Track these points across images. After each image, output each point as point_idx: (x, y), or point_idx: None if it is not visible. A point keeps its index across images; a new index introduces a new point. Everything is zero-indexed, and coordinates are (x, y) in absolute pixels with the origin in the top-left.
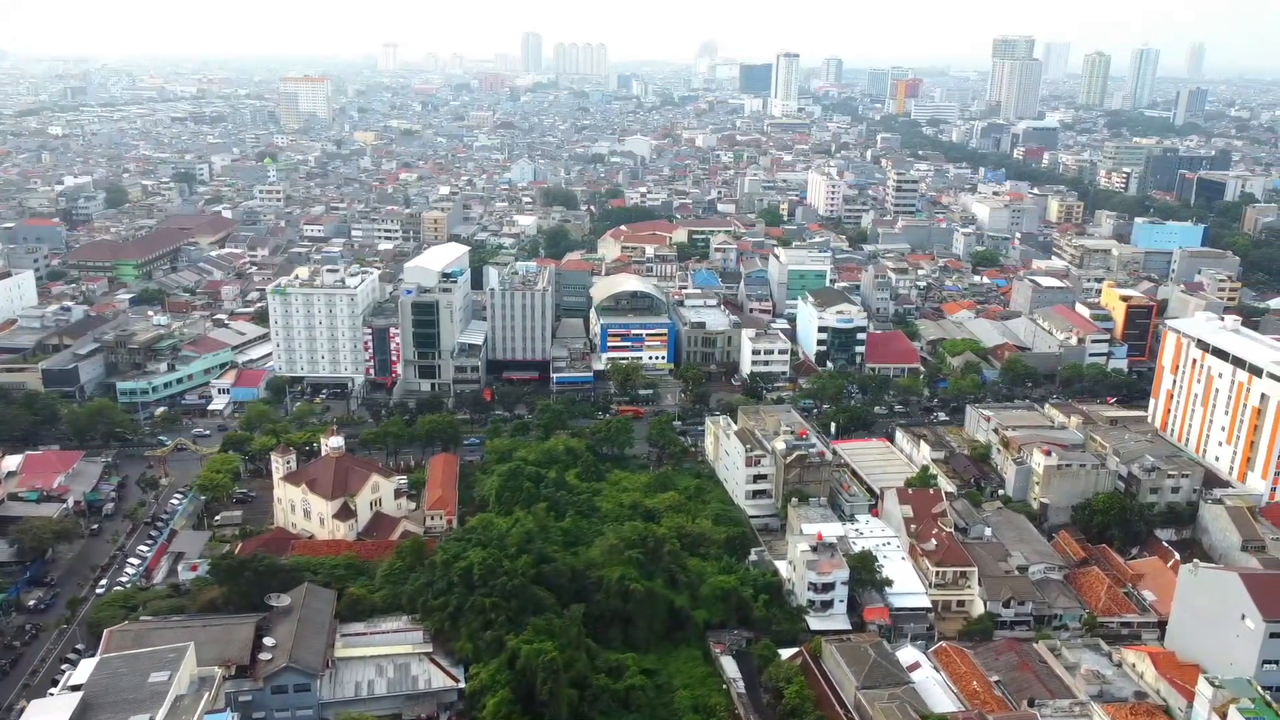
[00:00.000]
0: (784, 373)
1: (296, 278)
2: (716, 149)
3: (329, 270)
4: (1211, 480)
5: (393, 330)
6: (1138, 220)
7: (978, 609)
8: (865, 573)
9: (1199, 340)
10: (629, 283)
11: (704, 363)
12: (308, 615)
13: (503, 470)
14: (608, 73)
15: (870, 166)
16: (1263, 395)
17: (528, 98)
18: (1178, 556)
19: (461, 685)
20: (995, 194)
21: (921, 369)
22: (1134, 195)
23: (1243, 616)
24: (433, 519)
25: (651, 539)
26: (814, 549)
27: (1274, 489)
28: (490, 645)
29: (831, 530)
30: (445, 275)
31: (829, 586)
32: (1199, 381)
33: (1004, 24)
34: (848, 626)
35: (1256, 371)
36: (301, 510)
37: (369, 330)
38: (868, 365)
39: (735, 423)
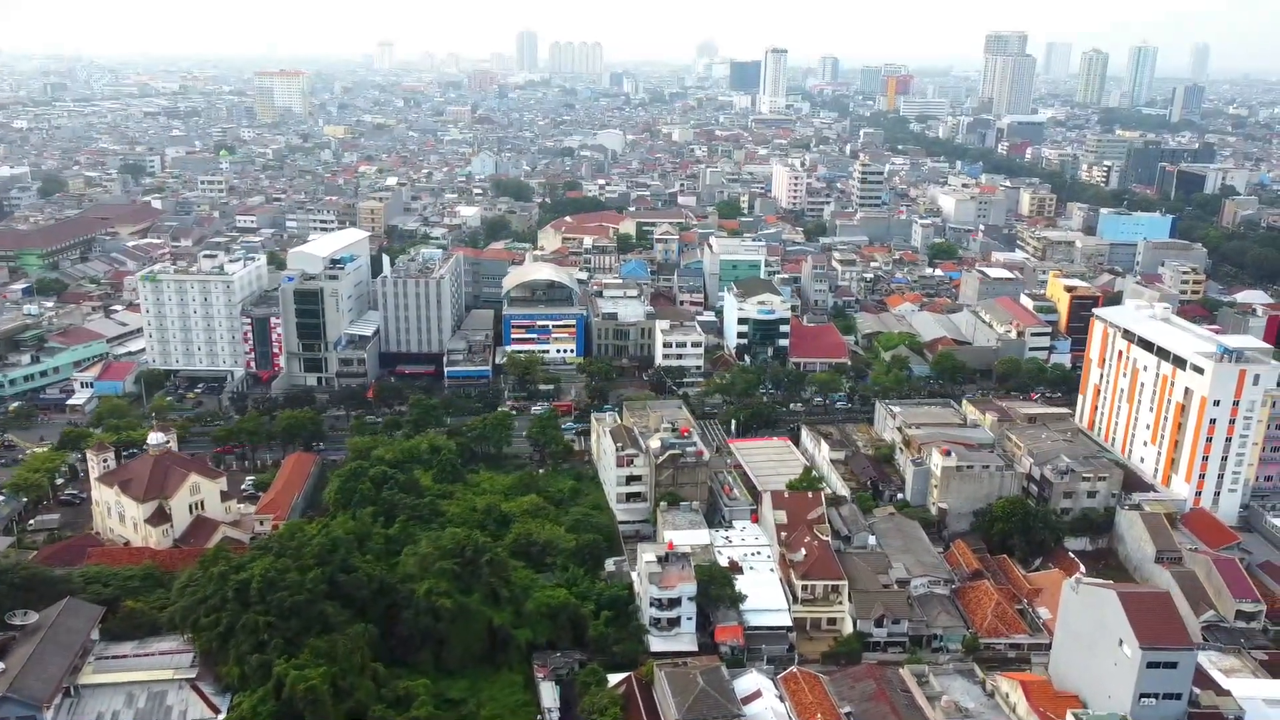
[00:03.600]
0: (697, 366)
1: (171, 266)
2: (692, 144)
3: (206, 256)
4: (1135, 484)
5: (274, 320)
6: (1103, 211)
7: (849, 628)
8: (715, 587)
9: (1125, 330)
10: (541, 271)
11: (616, 356)
12: (55, 635)
13: (343, 471)
14: (602, 71)
15: (846, 160)
16: (1186, 390)
17: (516, 95)
18: (1083, 569)
19: (221, 717)
20: (965, 186)
21: (849, 364)
22: (1114, 188)
23: (1120, 642)
24: (261, 524)
25: (470, 548)
26: (661, 560)
27: (1198, 494)
28: (258, 670)
29: (696, 538)
30: (333, 262)
31: (674, 602)
32: (1124, 375)
33: (1010, 24)
34: (694, 648)
35: (1180, 363)
36: (117, 514)
37: (248, 320)
38: (792, 359)
39: (622, 418)
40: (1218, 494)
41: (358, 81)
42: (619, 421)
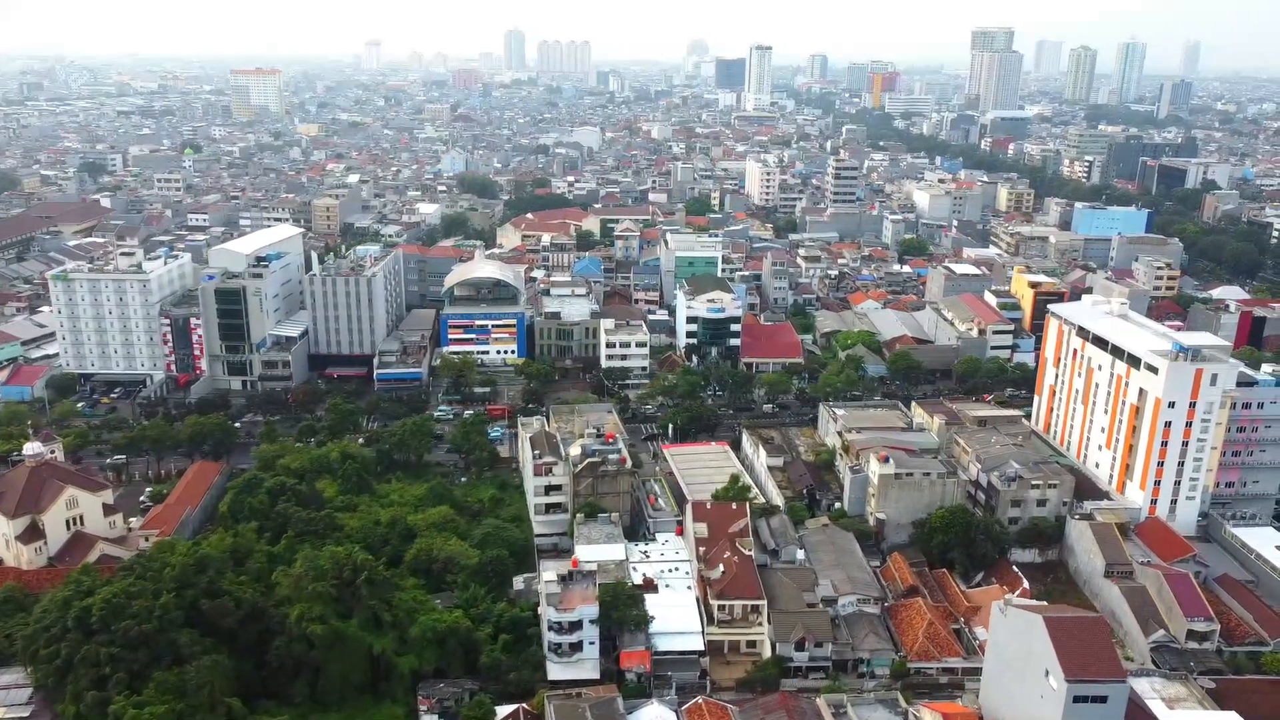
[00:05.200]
0: (643, 368)
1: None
2: (671, 141)
3: (123, 254)
4: (1089, 491)
5: (194, 321)
6: (1078, 206)
7: (769, 651)
8: (618, 609)
9: (1080, 328)
10: (485, 269)
11: (560, 357)
12: None
13: (238, 482)
14: (590, 70)
15: (825, 157)
16: (1140, 391)
17: (500, 93)
18: (1026, 585)
19: None
20: (940, 182)
21: (802, 363)
22: (1095, 184)
23: (1046, 673)
24: (146, 540)
25: (348, 567)
26: (564, 578)
27: (1154, 501)
28: (95, 708)
29: (611, 553)
30: (258, 259)
31: (575, 625)
32: (1080, 375)
33: (1000, 21)
34: (596, 675)
35: (1135, 363)
36: None
37: (167, 321)
38: (744, 360)
39: (550, 423)
40: (1174, 502)
41: (342, 81)
42: (545, 426)
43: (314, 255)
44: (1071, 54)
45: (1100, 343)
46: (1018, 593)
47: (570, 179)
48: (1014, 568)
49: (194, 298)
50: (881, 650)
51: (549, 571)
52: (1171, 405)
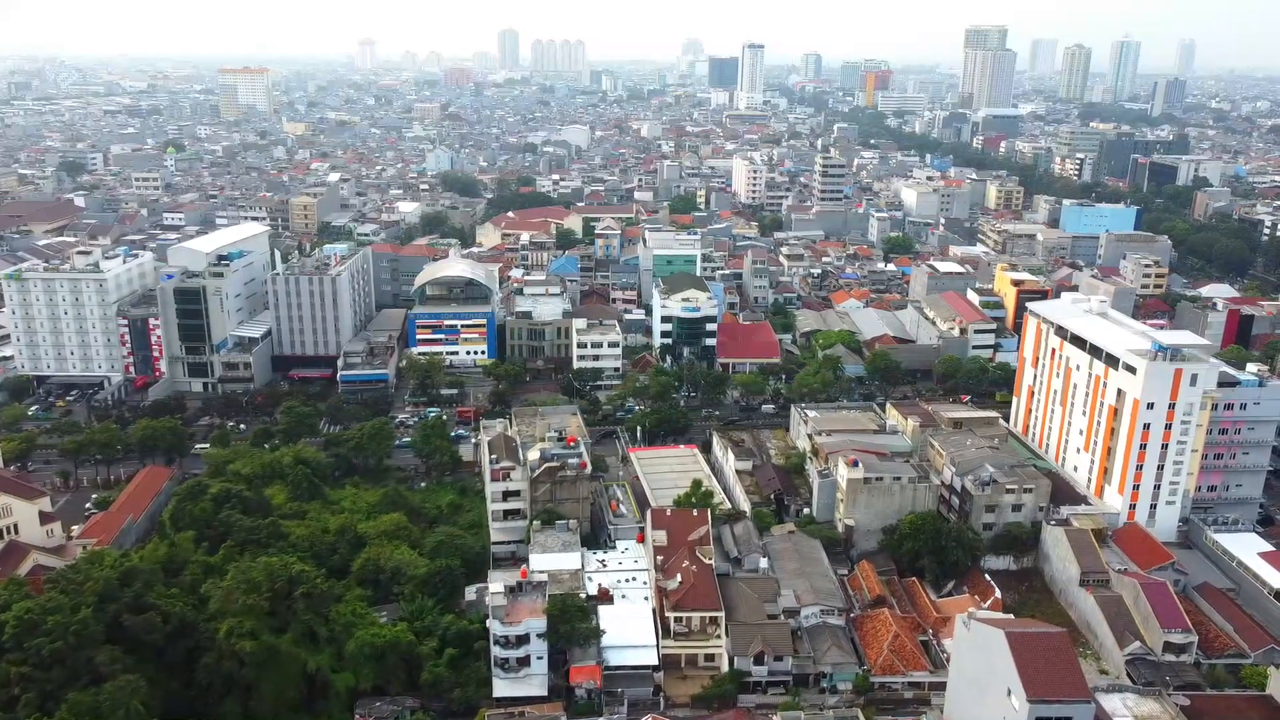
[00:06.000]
0: (615, 368)
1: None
2: (660, 139)
3: (79, 253)
4: (1067, 495)
5: (153, 321)
6: (1065, 203)
7: (726, 665)
8: (566, 622)
9: (1058, 326)
10: (455, 267)
11: (532, 357)
12: None
13: (182, 489)
14: (584, 70)
15: (815, 155)
16: (1119, 391)
17: (492, 92)
18: (998, 593)
19: None
20: (929, 179)
21: (779, 363)
22: (1086, 181)
23: (1009, 692)
24: (84, 549)
25: (282, 579)
26: (513, 590)
27: (1133, 506)
28: None
29: (566, 562)
30: (220, 257)
31: (522, 639)
32: (1058, 375)
33: (998, 20)
34: (544, 692)
35: (1113, 362)
36: None
37: (125, 321)
38: (721, 360)
39: (512, 425)
40: (1154, 507)
41: (334, 80)
42: (506, 429)
43: (277, 254)
44: (1066, 52)
45: (1079, 342)
46: (989, 603)
47: (555, 177)
48: (986, 576)
49: (154, 298)
50: (844, 664)
51: (496, 582)
52: (1150, 406)
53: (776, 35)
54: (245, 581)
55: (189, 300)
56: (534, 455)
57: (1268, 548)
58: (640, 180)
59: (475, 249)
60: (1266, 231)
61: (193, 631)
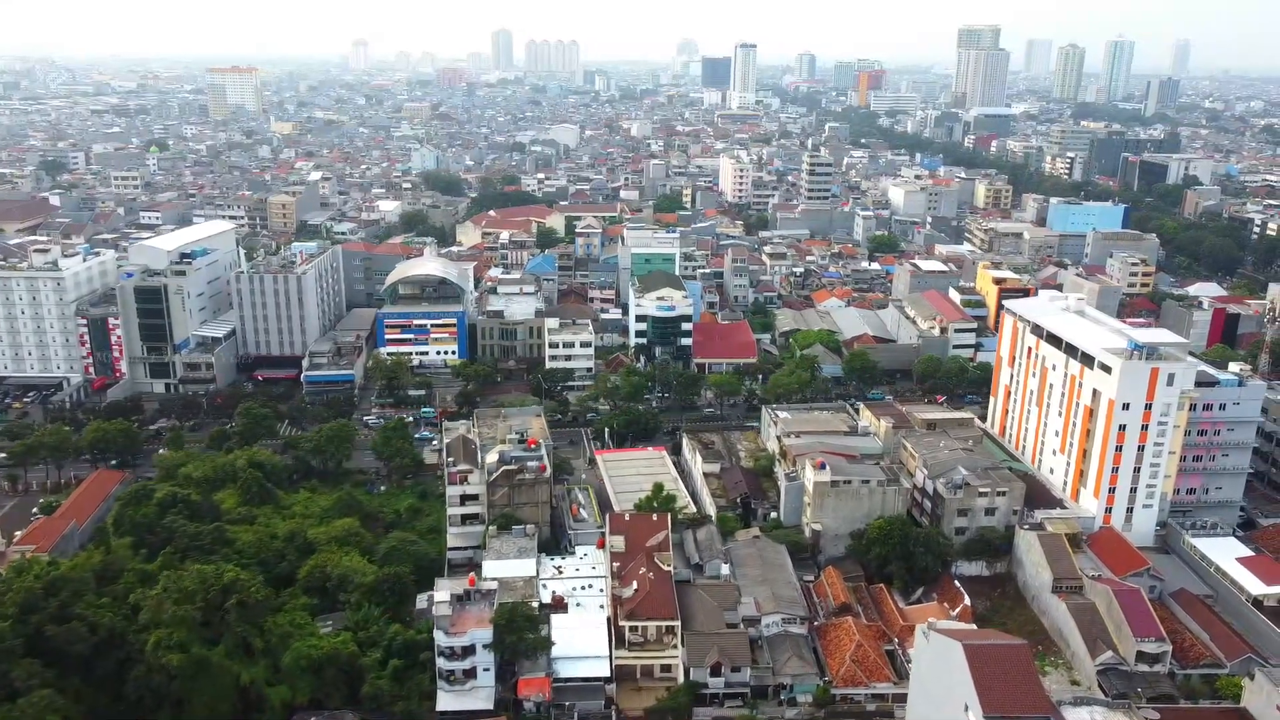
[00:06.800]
0: (588, 369)
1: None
2: (650, 139)
3: (37, 251)
4: (1042, 499)
5: (113, 321)
6: (1053, 201)
7: (682, 677)
8: (513, 632)
9: (1034, 324)
10: (426, 266)
11: (504, 357)
12: None
13: (127, 494)
14: (577, 70)
15: (804, 154)
16: (1094, 391)
17: (484, 92)
18: (968, 600)
19: None
20: (917, 178)
21: (755, 363)
22: (1076, 180)
23: (966, 707)
24: (21, 557)
25: (216, 588)
26: (460, 598)
27: (1108, 510)
28: None
29: (520, 568)
30: (182, 255)
31: (468, 650)
32: (1034, 375)
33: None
34: (489, 705)
35: (1088, 361)
36: None
37: (84, 321)
38: (697, 360)
39: (474, 427)
40: (1130, 510)
41: (326, 80)
42: (467, 431)
43: (241, 252)
44: (1060, 52)
45: (1055, 340)
46: (958, 610)
47: (540, 176)
48: (956, 583)
49: (114, 296)
50: (804, 675)
51: (443, 590)
52: (1126, 407)
53: (773, 36)
54: (177, 590)
55: (150, 299)
56: (492, 458)
57: (1247, 552)
58: (627, 179)
59: (455, 248)
60: (1256, 230)
61: (123, 643)
